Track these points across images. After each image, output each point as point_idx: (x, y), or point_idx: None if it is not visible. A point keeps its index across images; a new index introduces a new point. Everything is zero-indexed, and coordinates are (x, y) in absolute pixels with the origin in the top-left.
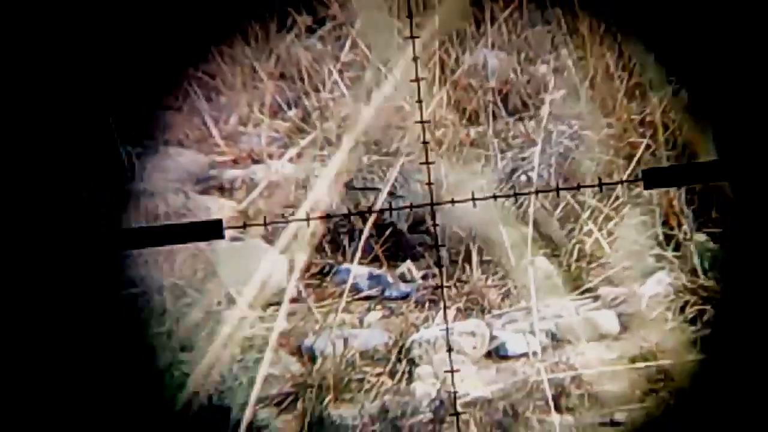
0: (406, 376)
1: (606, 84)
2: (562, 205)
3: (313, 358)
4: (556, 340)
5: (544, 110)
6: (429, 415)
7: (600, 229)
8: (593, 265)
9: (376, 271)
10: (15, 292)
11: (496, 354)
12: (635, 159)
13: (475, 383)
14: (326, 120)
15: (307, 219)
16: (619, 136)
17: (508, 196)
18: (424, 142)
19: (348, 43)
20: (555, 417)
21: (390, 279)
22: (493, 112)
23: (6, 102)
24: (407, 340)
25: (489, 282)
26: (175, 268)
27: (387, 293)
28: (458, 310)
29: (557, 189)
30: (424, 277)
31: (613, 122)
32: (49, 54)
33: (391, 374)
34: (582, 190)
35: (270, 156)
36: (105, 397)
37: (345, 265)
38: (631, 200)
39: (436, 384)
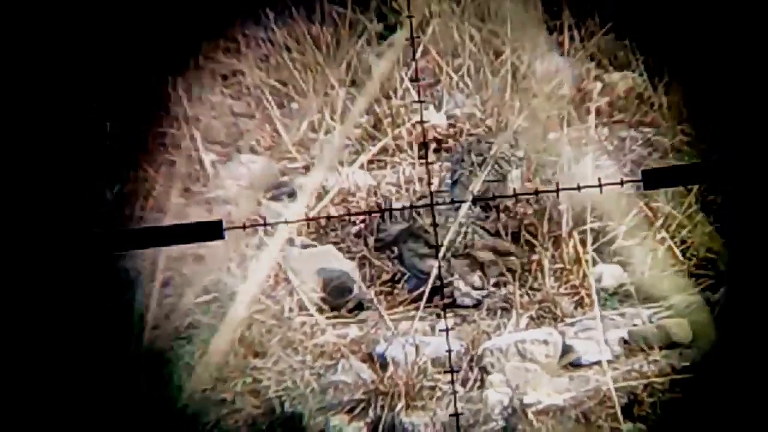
0: (477, 384)
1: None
2: (633, 212)
3: (384, 365)
4: (628, 348)
5: (591, 119)
6: (501, 423)
7: (673, 237)
8: (666, 272)
9: (448, 279)
10: (14, 294)
11: (569, 362)
12: None
13: (548, 391)
14: (397, 127)
15: (307, 220)
16: (693, 143)
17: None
18: (424, 143)
19: (419, 50)
20: (627, 425)
21: (462, 286)
22: (567, 119)
23: (7, 101)
24: (479, 347)
25: (561, 290)
26: (246, 273)
27: (458, 301)
28: (530, 318)
29: (557, 190)
30: (496, 285)
31: (686, 128)
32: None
33: (463, 382)
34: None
35: (341, 163)
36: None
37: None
38: (705, 207)
39: (509, 392)
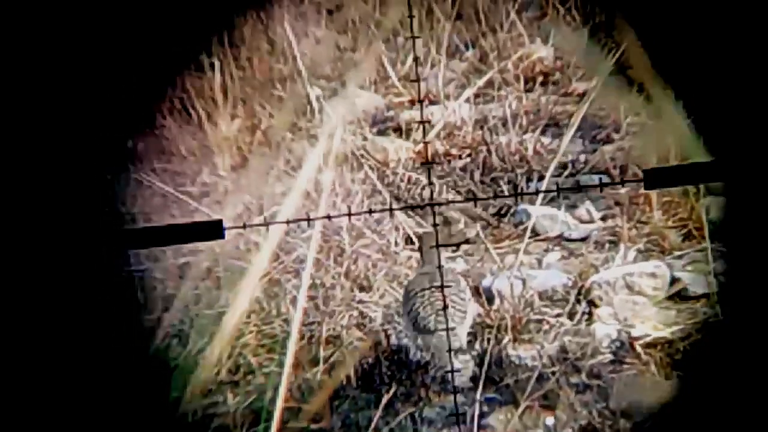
0: (585, 317)
1: None
2: None
3: (490, 299)
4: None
5: None
6: (609, 356)
7: None
8: None
9: (555, 212)
10: (19, 293)
11: (677, 295)
12: None
13: (656, 324)
14: (503, 60)
15: (308, 219)
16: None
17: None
18: (425, 142)
19: None
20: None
21: (569, 220)
22: None
23: (9, 99)
24: (587, 281)
25: (670, 223)
26: (353, 209)
27: (566, 234)
28: (638, 251)
29: (558, 190)
30: (604, 218)
31: None
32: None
33: (570, 315)
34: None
35: (447, 97)
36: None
37: (523, 206)
38: None
39: (617, 325)
